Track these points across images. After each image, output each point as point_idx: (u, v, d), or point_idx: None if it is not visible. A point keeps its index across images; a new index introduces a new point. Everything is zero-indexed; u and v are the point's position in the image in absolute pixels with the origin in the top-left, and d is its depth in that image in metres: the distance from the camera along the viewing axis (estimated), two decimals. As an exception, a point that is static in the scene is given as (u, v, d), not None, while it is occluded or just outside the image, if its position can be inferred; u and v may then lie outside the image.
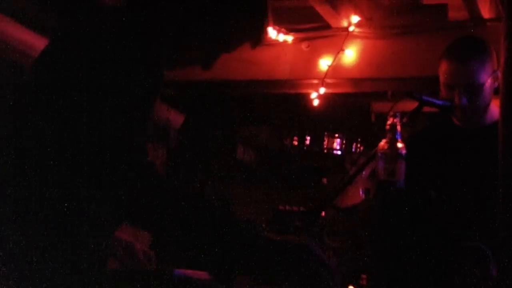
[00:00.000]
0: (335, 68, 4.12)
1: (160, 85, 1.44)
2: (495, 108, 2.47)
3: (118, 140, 1.30)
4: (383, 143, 2.01)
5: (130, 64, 1.34)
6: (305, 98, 4.25)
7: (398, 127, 2.00)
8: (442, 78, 2.44)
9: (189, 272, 1.58)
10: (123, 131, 1.31)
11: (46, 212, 1.30)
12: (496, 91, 2.35)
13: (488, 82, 2.38)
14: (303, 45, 4.23)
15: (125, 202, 1.32)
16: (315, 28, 4.19)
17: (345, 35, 4.10)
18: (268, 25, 1.53)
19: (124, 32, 1.37)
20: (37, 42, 3.10)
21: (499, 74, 2.40)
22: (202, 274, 1.53)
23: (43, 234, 1.30)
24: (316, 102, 4.18)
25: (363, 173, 2.17)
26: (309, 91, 4.23)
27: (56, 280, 1.29)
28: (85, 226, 1.36)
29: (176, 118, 4.80)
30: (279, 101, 4.87)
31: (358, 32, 4.09)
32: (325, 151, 4.67)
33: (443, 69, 2.43)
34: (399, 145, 2.00)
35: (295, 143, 5.18)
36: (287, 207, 5.04)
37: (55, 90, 1.31)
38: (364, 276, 3.20)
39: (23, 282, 1.26)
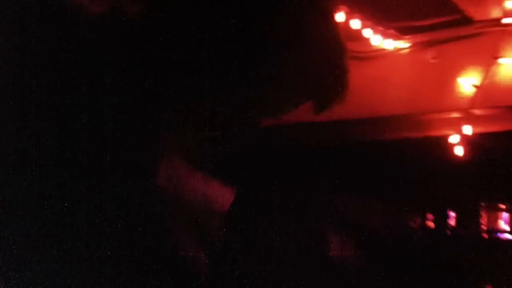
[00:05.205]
0: (487, 90, 2.97)
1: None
2: None
3: (118, 133, 1.42)
4: None
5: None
6: (438, 144, 2.97)
7: None
8: None
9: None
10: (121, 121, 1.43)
11: (46, 212, 1.40)
12: None
13: None
14: (429, 55, 3.05)
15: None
16: (447, 23, 3.00)
17: (497, 33, 2.98)
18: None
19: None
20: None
21: None
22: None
23: (43, 234, 1.39)
24: (459, 151, 2.90)
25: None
26: (444, 131, 3.00)
27: (56, 280, 1.40)
28: (85, 226, 1.44)
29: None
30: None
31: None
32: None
33: None
34: None
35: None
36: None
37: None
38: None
39: (22, 282, 1.36)
